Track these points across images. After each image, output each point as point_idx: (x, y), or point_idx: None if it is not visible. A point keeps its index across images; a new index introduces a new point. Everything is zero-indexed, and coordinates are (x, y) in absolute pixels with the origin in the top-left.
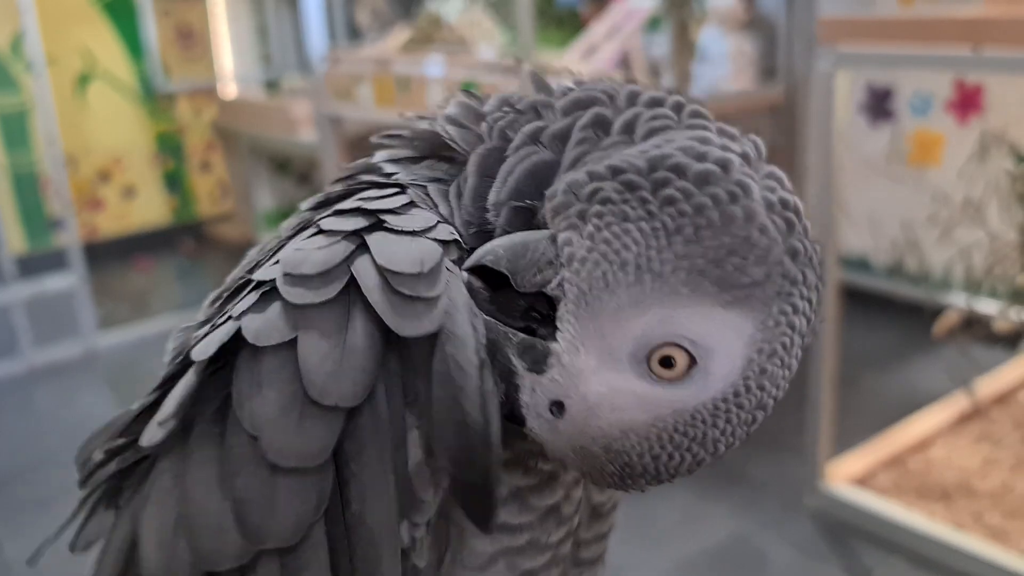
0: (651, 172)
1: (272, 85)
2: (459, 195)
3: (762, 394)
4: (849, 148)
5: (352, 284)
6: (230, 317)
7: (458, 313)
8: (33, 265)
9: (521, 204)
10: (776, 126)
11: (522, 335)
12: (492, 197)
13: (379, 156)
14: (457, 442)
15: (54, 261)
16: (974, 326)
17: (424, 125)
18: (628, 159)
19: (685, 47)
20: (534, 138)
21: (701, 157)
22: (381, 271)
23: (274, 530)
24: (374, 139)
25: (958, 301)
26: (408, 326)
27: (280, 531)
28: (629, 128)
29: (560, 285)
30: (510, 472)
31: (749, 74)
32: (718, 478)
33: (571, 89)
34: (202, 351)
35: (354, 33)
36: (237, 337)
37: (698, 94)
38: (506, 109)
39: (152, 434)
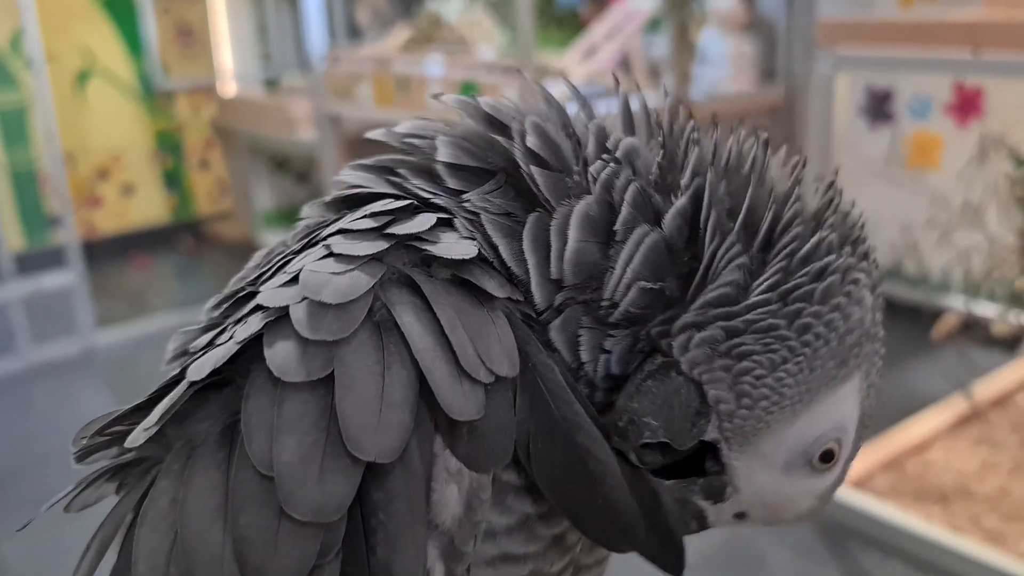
0: (784, 306)
1: (272, 84)
2: (537, 245)
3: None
4: (848, 150)
5: (384, 320)
6: (231, 338)
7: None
8: (31, 262)
9: (651, 286)
10: (775, 128)
11: (701, 480)
12: (616, 278)
13: (441, 151)
14: (611, 532)
15: (52, 259)
16: (973, 329)
17: (501, 142)
18: (762, 301)
19: (685, 48)
20: (649, 214)
21: (820, 275)
22: (435, 333)
23: (275, 572)
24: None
25: (957, 304)
26: (465, 409)
27: (281, 573)
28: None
29: (722, 435)
30: (520, 499)
31: (749, 76)
32: None
33: (672, 138)
34: (197, 371)
35: (354, 32)
36: (241, 353)
37: (698, 95)
38: (605, 157)
39: (136, 437)
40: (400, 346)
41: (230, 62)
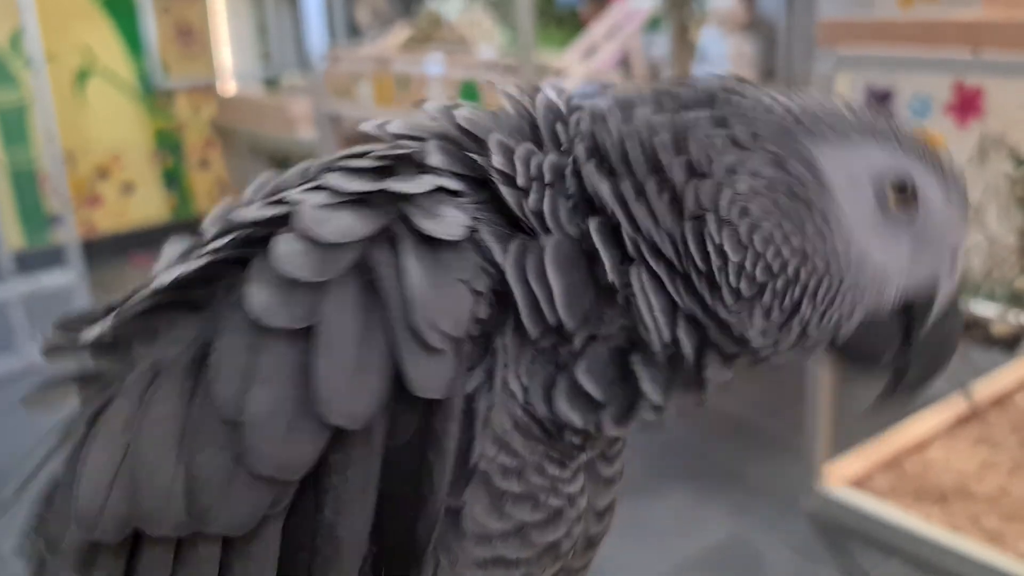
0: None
1: (271, 83)
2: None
3: None
4: None
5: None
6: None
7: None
8: (31, 261)
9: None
10: None
11: None
12: (652, 325)
13: (433, 157)
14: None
15: (52, 257)
16: (972, 329)
17: (477, 160)
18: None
19: (685, 48)
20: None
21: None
22: (405, 302)
23: (222, 518)
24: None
25: None
26: (426, 385)
27: (228, 521)
28: None
29: None
30: (518, 506)
31: (749, 75)
32: (715, 479)
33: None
34: (163, 279)
35: (354, 31)
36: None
37: None
38: (536, 189)
39: (91, 333)
40: (381, 309)
41: (230, 61)
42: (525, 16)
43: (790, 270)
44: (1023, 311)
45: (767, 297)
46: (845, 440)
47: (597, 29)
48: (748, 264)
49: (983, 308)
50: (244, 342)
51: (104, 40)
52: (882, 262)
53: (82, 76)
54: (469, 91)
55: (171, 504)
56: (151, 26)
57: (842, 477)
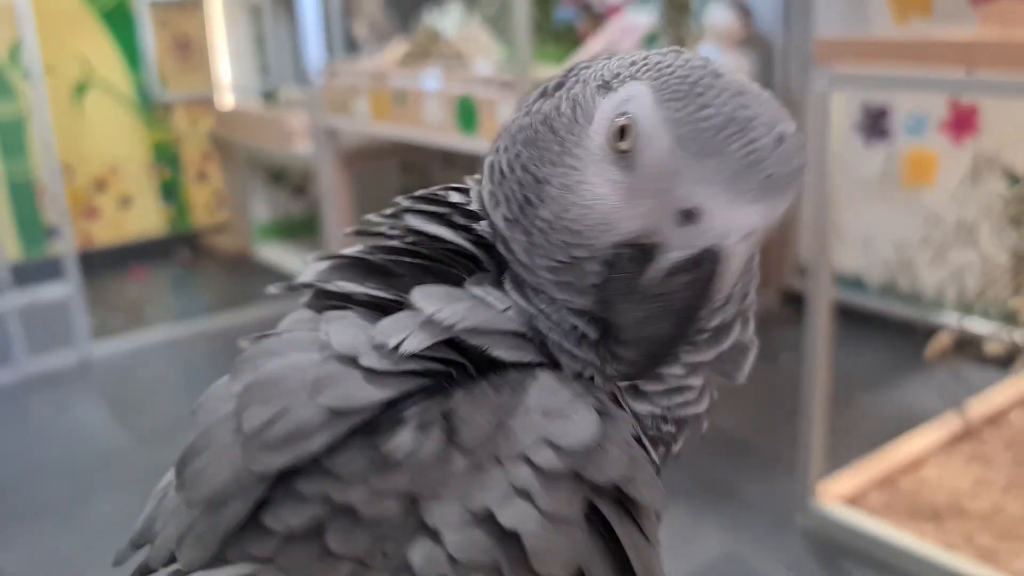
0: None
1: (269, 96)
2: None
3: None
4: (844, 167)
5: None
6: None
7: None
8: (28, 273)
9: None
10: None
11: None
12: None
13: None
14: None
15: (49, 270)
16: (966, 347)
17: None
18: None
19: None
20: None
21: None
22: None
23: None
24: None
25: (950, 321)
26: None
27: None
28: None
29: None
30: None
31: None
32: (709, 496)
33: None
34: None
35: (352, 46)
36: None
37: None
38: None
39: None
40: None
41: (228, 75)
42: (522, 31)
43: (531, 195)
44: (1017, 329)
45: (521, 219)
46: (839, 457)
47: (594, 45)
48: (508, 187)
49: (977, 326)
50: None
51: (102, 53)
52: (604, 201)
53: (80, 89)
54: (466, 106)
55: None
56: (149, 39)
57: (836, 495)
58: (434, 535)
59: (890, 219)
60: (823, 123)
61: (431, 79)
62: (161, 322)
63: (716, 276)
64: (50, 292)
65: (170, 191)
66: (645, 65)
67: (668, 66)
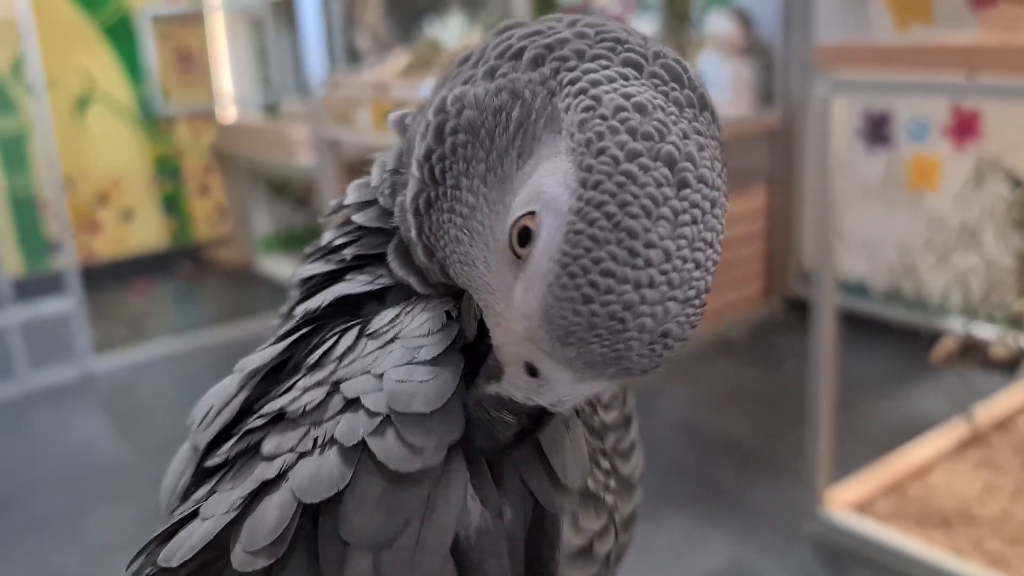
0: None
1: (271, 109)
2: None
3: None
4: (846, 173)
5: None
6: (316, 443)
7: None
8: (30, 288)
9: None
10: (773, 151)
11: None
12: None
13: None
14: None
15: (51, 284)
16: (971, 352)
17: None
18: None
19: None
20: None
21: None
22: None
23: None
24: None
25: (955, 326)
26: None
27: None
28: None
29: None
30: (586, 513)
31: (747, 99)
32: (717, 504)
33: None
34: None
35: (353, 57)
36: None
37: None
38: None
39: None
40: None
41: (229, 87)
42: None
43: (441, 202)
44: (1022, 334)
45: (424, 216)
46: (846, 464)
47: None
48: (419, 182)
49: (982, 331)
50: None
51: (104, 66)
52: (491, 287)
53: (82, 102)
54: None
55: None
56: (151, 53)
57: (844, 502)
58: (354, 404)
59: (893, 224)
60: (825, 128)
61: None
62: (163, 335)
63: (539, 427)
64: (52, 306)
65: (172, 204)
66: (594, 102)
67: (607, 132)
